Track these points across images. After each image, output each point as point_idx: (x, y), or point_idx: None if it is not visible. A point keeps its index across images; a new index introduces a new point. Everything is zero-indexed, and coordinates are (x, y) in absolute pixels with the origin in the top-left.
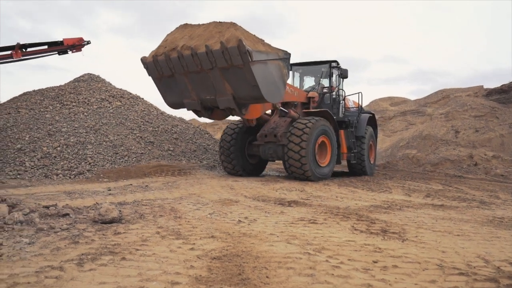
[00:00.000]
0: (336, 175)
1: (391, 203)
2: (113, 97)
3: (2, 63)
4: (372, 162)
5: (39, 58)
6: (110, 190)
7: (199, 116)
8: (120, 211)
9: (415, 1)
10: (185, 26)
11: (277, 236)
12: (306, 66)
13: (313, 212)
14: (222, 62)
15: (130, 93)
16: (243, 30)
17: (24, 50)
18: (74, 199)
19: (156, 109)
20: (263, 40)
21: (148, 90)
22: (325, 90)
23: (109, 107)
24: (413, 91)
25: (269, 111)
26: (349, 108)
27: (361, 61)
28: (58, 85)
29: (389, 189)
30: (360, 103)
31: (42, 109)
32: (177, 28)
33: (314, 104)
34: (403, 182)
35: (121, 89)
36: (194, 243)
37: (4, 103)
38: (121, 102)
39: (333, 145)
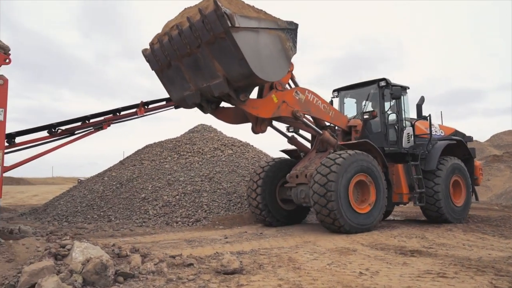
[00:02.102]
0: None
1: None
2: (224, 145)
3: (128, 120)
4: (459, 205)
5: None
6: (226, 238)
7: (204, 112)
8: (240, 261)
9: None
10: (185, 9)
11: None
12: (353, 90)
13: (440, 263)
14: (205, 34)
15: (240, 141)
16: None
17: (146, 107)
18: (194, 247)
19: (266, 155)
20: (263, 11)
21: (257, 137)
22: (365, 117)
23: (221, 155)
24: None
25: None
26: (425, 134)
27: (475, 91)
28: (175, 137)
29: None
30: (429, 127)
31: (162, 160)
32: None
33: (357, 135)
34: None
35: (231, 138)
36: None
37: (130, 155)
38: (232, 150)
39: (378, 185)
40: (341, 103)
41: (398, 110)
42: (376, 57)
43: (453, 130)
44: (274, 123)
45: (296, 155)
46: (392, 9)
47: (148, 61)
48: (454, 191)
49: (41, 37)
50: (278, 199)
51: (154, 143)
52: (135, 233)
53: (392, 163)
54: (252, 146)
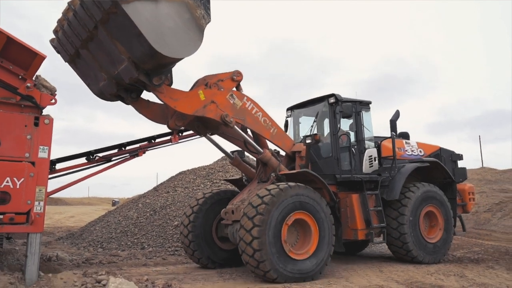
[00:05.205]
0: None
1: None
2: None
3: (163, 147)
4: (434, 241)
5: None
6: None
7: (126, 103)
8: None
9: None
10: None
11: None
12: (304, 108)
13: None
14: (97, 12)
15: None
16: None
17: (180, 134)
18: (226, 281)
19: None
20: None
21: None
22: (308, 141)
23: None
24: None
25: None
26: (391, 156)
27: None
28: (208, 164)
29: None
30: (393, 150)
31: (195, 188)
32: None
33: (302, 161)
34: None
35: None
36: None
37: (163, 182)
38: None
39: (321, 225)
40: (296, 123)
41: (357, 129)
42: (407, 78)
43: (437, 148)
44: (220, 141)
45: (241, 184)
46: (417, 28)
47: (58, 52)
48: (429, 224)
49: None
50: (216, 238)
51: (188, 170)
52: (167, 262)
53: (347, 193)
54: None
